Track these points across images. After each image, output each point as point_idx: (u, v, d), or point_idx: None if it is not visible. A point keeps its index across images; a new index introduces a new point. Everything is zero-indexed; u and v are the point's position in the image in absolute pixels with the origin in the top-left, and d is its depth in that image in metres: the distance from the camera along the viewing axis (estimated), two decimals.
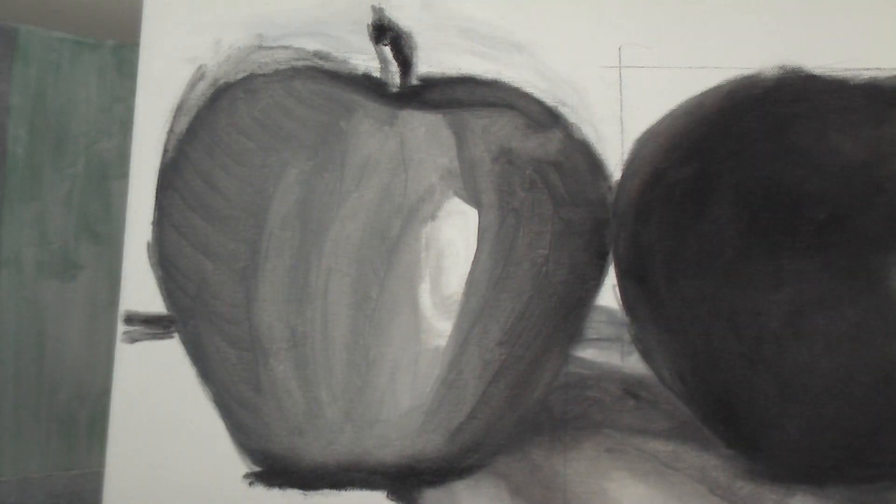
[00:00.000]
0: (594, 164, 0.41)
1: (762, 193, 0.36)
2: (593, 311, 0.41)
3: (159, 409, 0.41)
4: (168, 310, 0.41)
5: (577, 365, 0.41)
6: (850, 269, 0.35)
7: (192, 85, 0.42)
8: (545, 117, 0.41)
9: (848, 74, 0.40)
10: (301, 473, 0.40)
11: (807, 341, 0.35)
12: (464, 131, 0.38)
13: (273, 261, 0.38)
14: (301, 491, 0.40)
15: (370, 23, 0.41)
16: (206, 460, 0.41)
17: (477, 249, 0.38)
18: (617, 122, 0.41)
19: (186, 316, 0.40)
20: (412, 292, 0.38)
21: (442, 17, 0.41)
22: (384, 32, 0.41)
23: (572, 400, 0.40)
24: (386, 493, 0.40)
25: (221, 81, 0.41)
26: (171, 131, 0.42)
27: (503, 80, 0.41)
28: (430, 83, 0.41)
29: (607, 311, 0.41)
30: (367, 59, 0.41)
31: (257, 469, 0.41)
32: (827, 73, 0.41)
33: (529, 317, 0.39)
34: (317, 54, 0.41)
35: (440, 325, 0.38)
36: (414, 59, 0.41)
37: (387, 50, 0.41)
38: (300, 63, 0.41)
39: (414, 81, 0.41)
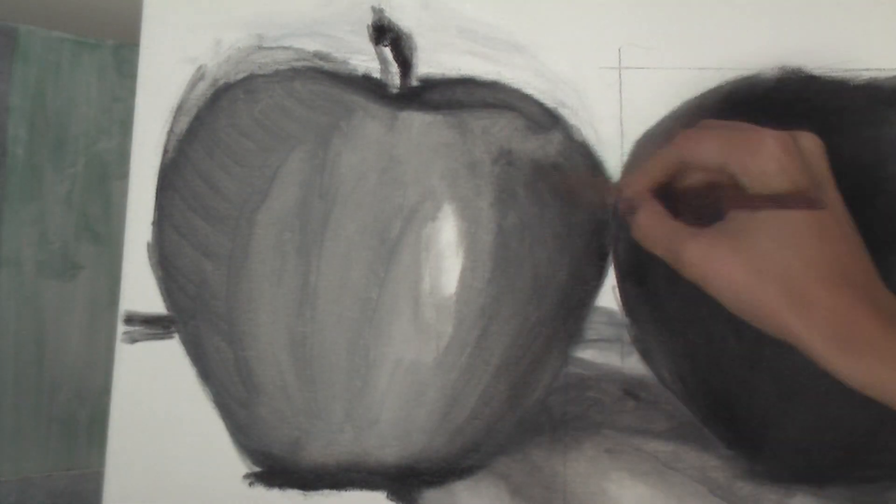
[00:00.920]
0: (594, 165, 0.41)
1: None
2: (593, 313, 0.41)
3: (159, 409, 0.41)
4: (168, 310, 0.41)
5: (577, 366, 0.41)
6: None
7: (192, 85, 0.42)
8: (545, 118, 0.41)
9: (848, 75, 0.40)
10: (301, 474, 0.40)
11: None
12: (464, 132, 0.38)
13: (273, 261, 0.38)
14: (301, 491, 0.40)
15: (370, 24, 0.41)
16: (206, 460, 0.41)
17: (477, 250, 0.38)
18: (617, 123, 0.41)
19: (186, 316, 0.40)
20: (412, 293, 0.38)
21: (442, 18, 0.41)
22: (384, 33, 0.41)
23: (572, 401, 0.40)
24: (386, 494, 0.40)
25: (221, 82, 0.41)
26: (171, 132, 0.42)
27: (503, 82, 0.41)
28: (430, 84, 0.41)
29: (607, 313, 0.41)
30: (367, 59, 0.41)
31: (257, 469, 0.41)
32: (827, 74, 0.41)
33: (529, 318, 0.39)
34: (317, 55, 0.41)
35: (440, 326, 0.38)
36: (414, 60, 0.41)
37: (387, 51, 0.41)
38: (300, 64, 0.41)
39: (414, 82, 0.41)
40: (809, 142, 0.33)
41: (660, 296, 0.39)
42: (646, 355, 0.40)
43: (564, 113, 0.41)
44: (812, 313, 0.30)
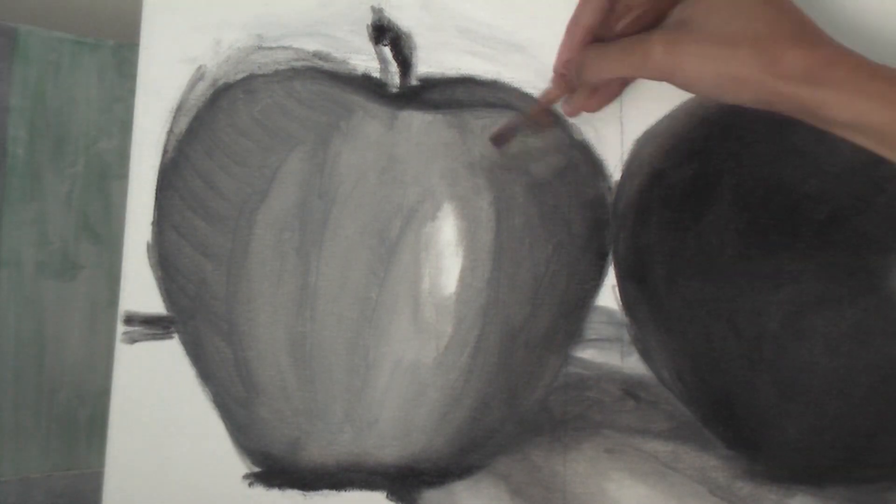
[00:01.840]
0: (594, 165, 0.41)
1: (762, 194, 0.36)
2: (593, 312, 0.41)
3: (159, 409, 0.41)
4: (168, 310, 0.41)
5: (576, 365, 0.41)
6: (850, 269, 0.35)
7: (192, 85, 0.42)
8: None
9: None
10: (301, 474, 0.40)
11: (807, 341, 0.35)
12: (464, 132, 0.38)
13: (273, 261, 0.38)
14: (301, 491, 0.40)
15: (370, 23, 0.41)
16: (206, 460, 0.41)
17: (477, 250, 0.38)
18: (617, 122, 0.41)
19: (186, 316, 0.40)
20: (412, 293, 0.38)
21: (441, 18, 0.41)
22: (384, 33, 0.41)
23: (572, 400, 0.40)
24: (386, 494, 0.40)
25: (221, 82, 0.41)
26: (170, 132, 0.42)
27: (503, 81, 0.41)
28: (429, 84, 0.41)
29: (607, 312, 0.41)
30: (366, 59, 0.41)
31: (257, 469, 0.41)
32: None
33: (529, 317, 0.39)
34: (316, 55, 0.41)
35: (440, 326, 0.38)
36: (413, 60, 0.41)
37: (386, 50, 0.41)
38: (300, 63, 0.41)
39: (413, 82, 0.41)
40: None
41: (660, 295, 0.39)
42: (646, 355, 0.40)
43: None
44: (785, 66, 0.31)
